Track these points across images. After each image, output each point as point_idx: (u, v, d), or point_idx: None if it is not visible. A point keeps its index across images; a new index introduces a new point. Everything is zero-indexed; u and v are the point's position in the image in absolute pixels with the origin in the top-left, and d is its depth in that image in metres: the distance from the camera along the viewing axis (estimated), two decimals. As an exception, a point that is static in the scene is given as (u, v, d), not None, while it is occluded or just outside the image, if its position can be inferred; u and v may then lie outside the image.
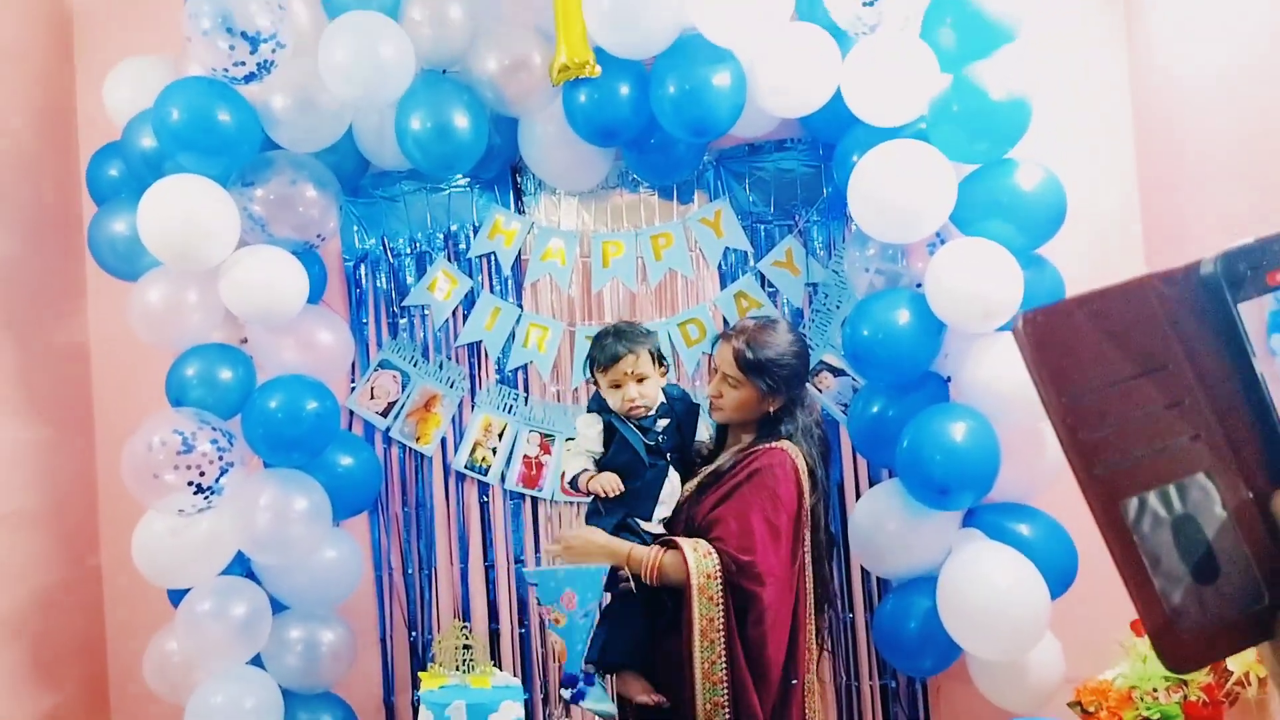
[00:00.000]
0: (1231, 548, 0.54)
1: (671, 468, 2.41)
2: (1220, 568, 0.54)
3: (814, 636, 2.36)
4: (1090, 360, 0.54)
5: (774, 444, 2.32)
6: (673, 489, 2.40)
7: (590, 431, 2.41)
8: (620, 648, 2.33)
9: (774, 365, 2.33)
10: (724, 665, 2.20)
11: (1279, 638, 0.54)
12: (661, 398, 2.44)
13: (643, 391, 2.38)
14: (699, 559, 2.21)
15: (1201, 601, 0.53)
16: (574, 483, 2.41)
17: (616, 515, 2.35)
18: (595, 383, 2.45)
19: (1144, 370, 0.54)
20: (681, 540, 2.26)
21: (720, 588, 2.21)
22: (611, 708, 2.29)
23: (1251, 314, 0.55)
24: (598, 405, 2.45)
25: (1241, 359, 0.55)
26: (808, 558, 2.33)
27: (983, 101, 2.42)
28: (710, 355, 2.55)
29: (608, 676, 2.37)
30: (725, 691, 2.20)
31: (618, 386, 2.38)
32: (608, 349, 2.38)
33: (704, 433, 2.60)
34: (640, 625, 2.32)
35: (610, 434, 2.40)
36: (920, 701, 2.97)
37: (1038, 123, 2.50)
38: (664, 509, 2.38)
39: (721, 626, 2.21)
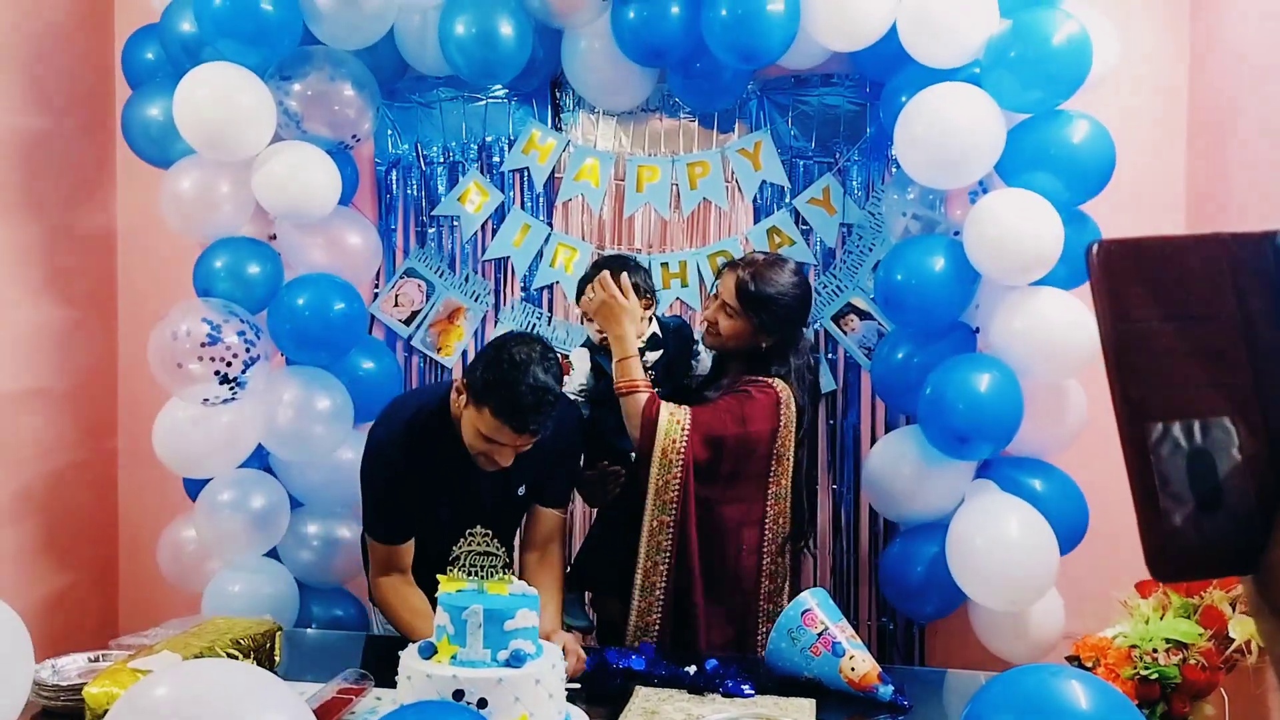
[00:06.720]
0: (1239, 488, 0.59)
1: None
2: (1223, 501, 0.59)
3: (782, 562, 2.40)
4: (1151, 294, 0.60)
5: (765, 379, 2.33)
6: None
7: (581, 364, 2.47)
8: (598, 567, 2.45)
9: (772, 302, 2.32)
10: (671, 529, 2.27)
11: (1261, 573, 0.60)
12: (654, 328, 2.45)
13: None
14: (671, 422, 2.26)
15: (1198, 526, 0.59)
16: None
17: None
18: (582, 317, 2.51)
19: (1198, 316, 0.60)
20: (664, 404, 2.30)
21: (681, 455, 2.25)
22: (586, 621, 2.46)
23: None
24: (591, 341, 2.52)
25: None
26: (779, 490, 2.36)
27: (1042, 48, 2.37)
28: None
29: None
30: (669, 556, 2.28)
31: (591, 319, 2.41)
32: (587, 278, 2.42)
33: (705, 364, 2.63)
34: (619, 549, 2.36)
35: (601, 371, 2.44)
36: (916, 645, 3.01)
37: (1090, 81, 2.45)
38: None
39: (677, 493, 2.26)
